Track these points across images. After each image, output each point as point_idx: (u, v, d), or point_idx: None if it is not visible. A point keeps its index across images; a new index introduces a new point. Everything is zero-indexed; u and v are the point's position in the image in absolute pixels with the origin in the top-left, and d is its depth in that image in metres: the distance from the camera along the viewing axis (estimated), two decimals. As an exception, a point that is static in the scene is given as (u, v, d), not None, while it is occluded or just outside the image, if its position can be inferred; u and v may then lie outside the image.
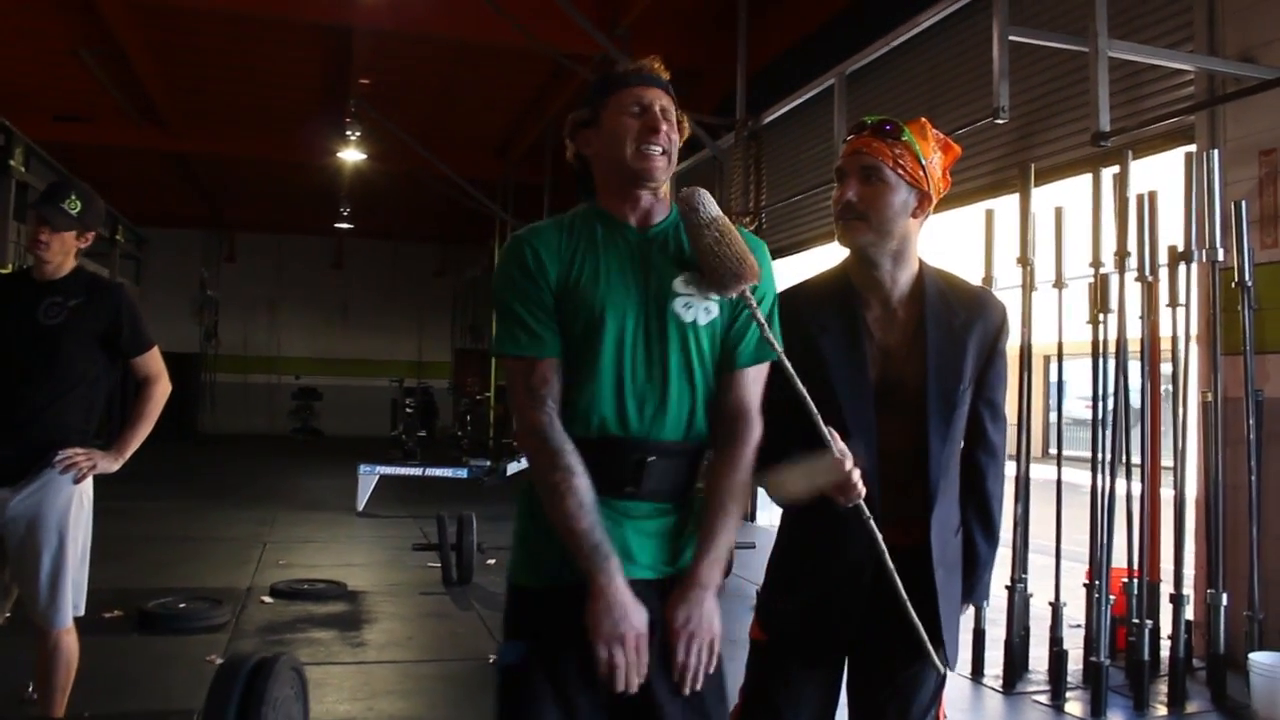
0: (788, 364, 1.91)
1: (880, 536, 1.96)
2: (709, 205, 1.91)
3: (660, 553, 1.91)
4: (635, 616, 1.80)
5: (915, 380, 2.08)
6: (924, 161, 2.07)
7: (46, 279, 3.36)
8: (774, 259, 8.05)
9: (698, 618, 1.85)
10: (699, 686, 1.86)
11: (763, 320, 1.92)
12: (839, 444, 1.91)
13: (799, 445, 2.00)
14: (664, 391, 1.90)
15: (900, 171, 2.05)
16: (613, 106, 1.96)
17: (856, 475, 1.91)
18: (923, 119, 2.12)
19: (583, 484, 1.82)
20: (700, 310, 1.93)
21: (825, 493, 1.95)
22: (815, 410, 1.90)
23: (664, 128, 1.94)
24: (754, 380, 1.98)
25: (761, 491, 2.07)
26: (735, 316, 1.97)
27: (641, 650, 1.80)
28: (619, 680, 1.78)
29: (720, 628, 1.88)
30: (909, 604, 2.00)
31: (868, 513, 1.94)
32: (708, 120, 10.36)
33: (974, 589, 2.23)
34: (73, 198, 3.35)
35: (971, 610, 3.38)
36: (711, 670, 1.88)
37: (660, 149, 1.93)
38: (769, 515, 10.22)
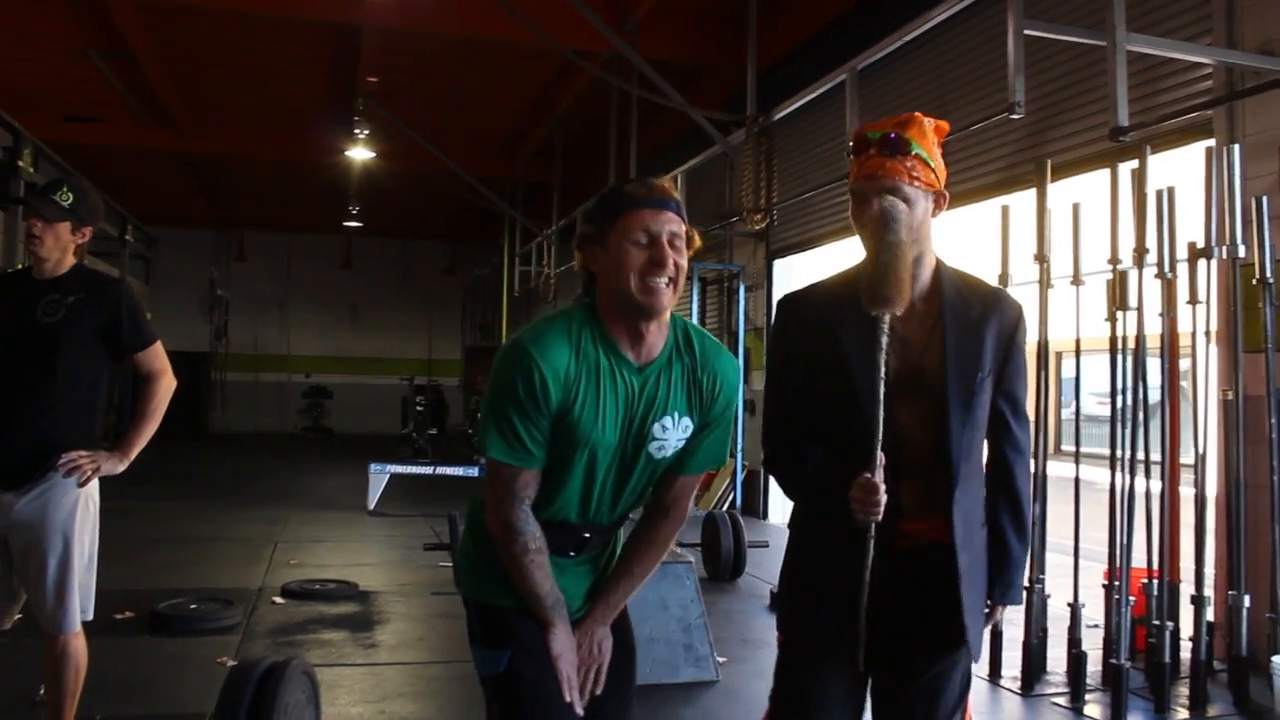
0: (881, 386, 2.05)
1: (871, 560, 2.07)
2: (899, 228, 2.06)
3: (580, 598, 2.25)
4: (574, 652, 2.19)
5: (934, 368, 2.12)
6: (933, 164, 2.12)
7: (45, 277, 3.32)
8: (784, 255, 7.98)
9: (588, 647, 2.22)
10: (599, 690, 2.22)
11: (884, 345, 2.06)
12: (880, 471, 2.02)
13: (819, 446, 2.17)
14: (616, 501, 2.19)
15: (917, 184, 2.10)
16: (620, 231, 2.01)
17: (883, 501, 2.01)
18: (917, 115, 2.14)
19: (546, 559, 2.12)
20: (671, 446, 2.14)
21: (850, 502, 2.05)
22: (880, 433, 2.03)
23: (670, 260, 2.00)
24: (694, 482, 2.27)
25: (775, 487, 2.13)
26: (705, 426, 2.18)
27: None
28: (573, 693, 2.15)
29: (609, 651, 2.25)
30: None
31: (873, 534, 2.06)
32: (718, 117, 10.31)
33: (1008, 590, 2.24)
34: (64, 190, 3.31)
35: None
36: (604, 676, 2.24)
37: (666, 280, 2.00)
38: (781, 512, 10.18)
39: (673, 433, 2.13)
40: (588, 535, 2.20)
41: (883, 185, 2.09)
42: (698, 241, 2.09)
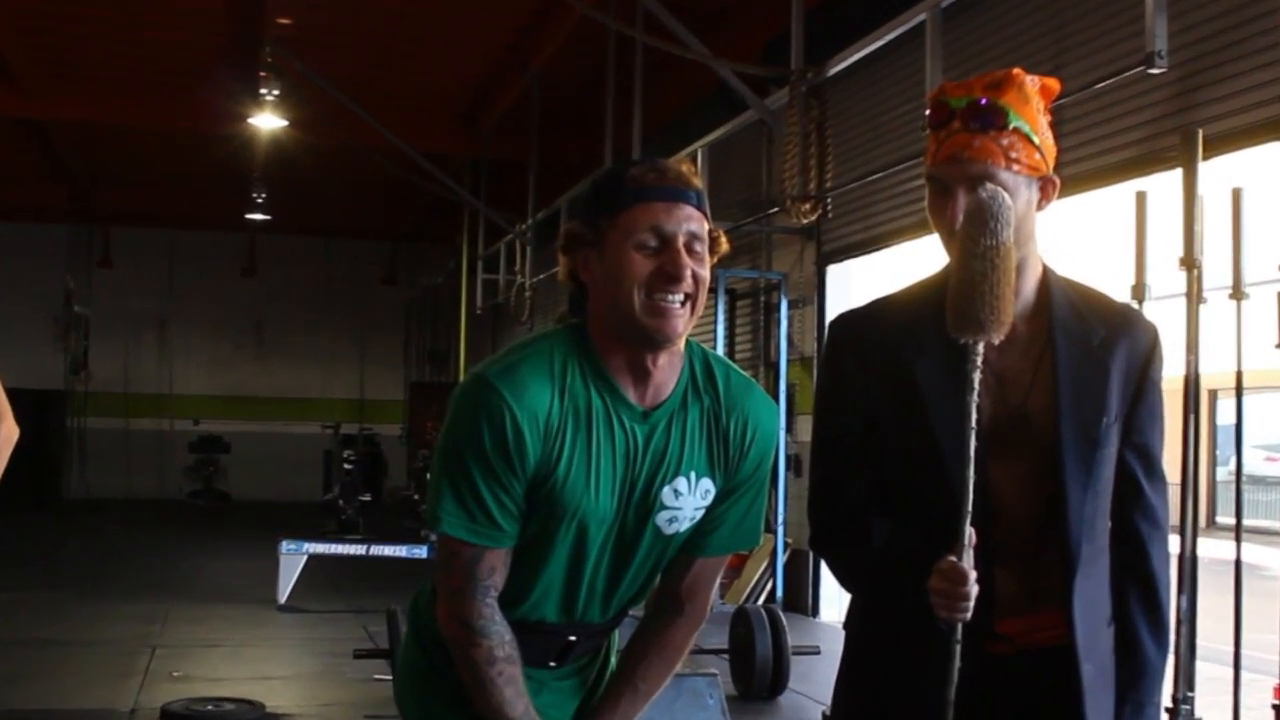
0: (972, 439, 1.98)
1: (956, 673, 2.00)
2: (1003, 228, 1.96)
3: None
4: None
5: (1043, 412, 2.10)
6: (1037, 140, 2.10)
7: None
8: (841, 260, 8.02)
9: None
10: None
11: (976, 384, 1.99)
12: (970, 554, 1.97)
13: (886, 519, 2.15)
14: (611, 593, 2.18)
15: (1016, 167, 2.08)
16: (621, 230, 2.00)
17: (974, 594, 1.97)
18: (1016, 72, 2.12)
19: (519, 670, 2.09)
20: (686, 517, 2.13)
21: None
22: (969, 503, 1.97)
23: (687, 272, 1.99)
24: (717, 566, 2.27)
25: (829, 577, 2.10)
26: (731, 491, 2.16)
27: None
28: None
29: None
30: None
31: (959, 638, 2.00)
32: (752, 72, 10.34)
33: (1141, 709, 2.20)
34: None
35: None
36: None
37: (681, 298, 1.99)
38: (837, 607, 10.15)
39: (688, 499, 2.10)
40: (573, 639, 2.18)
41: (971, 171, 2.07)
42: (724, 245, 2.08)
